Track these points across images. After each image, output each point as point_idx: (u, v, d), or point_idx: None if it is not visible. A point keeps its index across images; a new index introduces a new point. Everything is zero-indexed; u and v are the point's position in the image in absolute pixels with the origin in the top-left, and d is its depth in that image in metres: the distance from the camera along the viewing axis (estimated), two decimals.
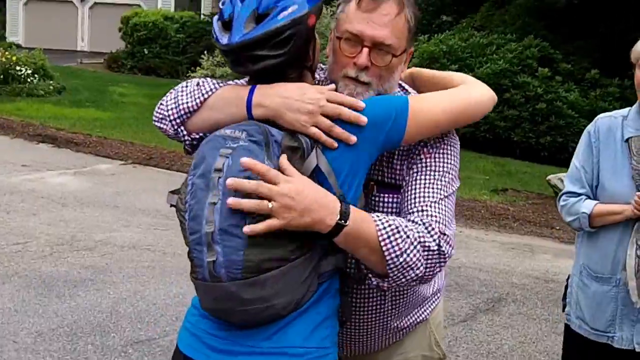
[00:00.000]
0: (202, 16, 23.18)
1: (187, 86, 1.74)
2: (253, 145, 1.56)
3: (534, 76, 13.52)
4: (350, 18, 1.71)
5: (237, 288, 1.55)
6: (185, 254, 1.69)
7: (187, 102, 1.70)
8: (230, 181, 1.52)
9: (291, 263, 1.57)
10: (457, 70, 13.87)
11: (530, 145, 13.21)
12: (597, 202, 2.56)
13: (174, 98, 1.71)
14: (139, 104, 15.74)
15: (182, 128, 1.72)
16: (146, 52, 21.88)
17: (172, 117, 1.71)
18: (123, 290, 5.25)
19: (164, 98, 1.75)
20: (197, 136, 1.73)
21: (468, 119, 1.82)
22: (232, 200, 1.52)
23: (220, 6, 1.70)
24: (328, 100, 1.60)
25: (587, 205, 2.55)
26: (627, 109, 2.61)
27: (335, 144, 1.60)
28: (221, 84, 1.72)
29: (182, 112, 1.70)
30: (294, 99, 1.59)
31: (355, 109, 1.62)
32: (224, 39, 1.65)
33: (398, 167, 1.77)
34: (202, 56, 15.95)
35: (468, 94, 1.82)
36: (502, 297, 5.72)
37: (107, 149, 10.75)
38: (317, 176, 1.60)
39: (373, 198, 1.79)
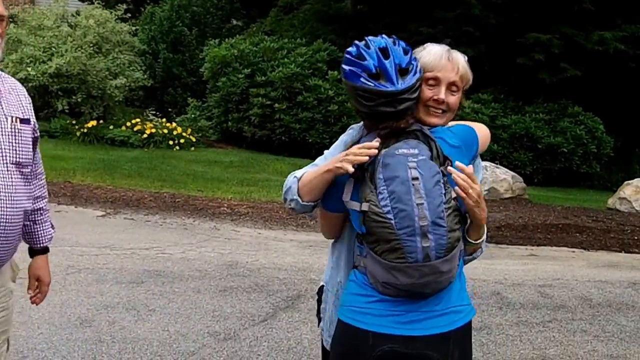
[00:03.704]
0: None
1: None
2: (427, 158, 2.19)
3: (325, 79, 13.93)
4: None
5: (440, 264, 2.13)
6: None
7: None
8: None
9: (460, 242, 2.20)
10: (249, 74, 14.14)
11: (324, 146, 13.41)
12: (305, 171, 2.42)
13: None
14: None
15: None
16: None
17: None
18: None
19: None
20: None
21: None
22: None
23: (355, 59, 2.26)
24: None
25: (301, 171, 2.42)
26: None
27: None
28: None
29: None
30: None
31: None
32: (389, 86, 2.21)
33: None
34: None
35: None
36: (300, 294, 5.78)
37: None
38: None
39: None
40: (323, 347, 2.58)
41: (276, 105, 13.81)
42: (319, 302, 2.59)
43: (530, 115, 14.23)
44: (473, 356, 4.63)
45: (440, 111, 2.35)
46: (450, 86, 2.35)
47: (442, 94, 2.32)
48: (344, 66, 2.30)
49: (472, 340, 4.87)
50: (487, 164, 11.49)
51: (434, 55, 2.34)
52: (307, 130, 13.92)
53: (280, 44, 14.60)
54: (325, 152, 2.49)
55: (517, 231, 9.24)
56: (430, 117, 2.35)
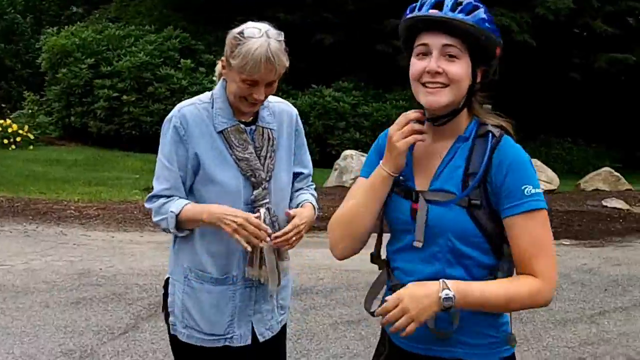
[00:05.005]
0: None
1: None
2: None
3: (178, 68, 13.61)
4: None
5: None
6: None
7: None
8: None
9: None
10: (93, 65, 13.56)
11: None
12: (189, 202, 2.42)
13: None
14: None
15: None
16: None
17: None
18: None
19: None
20: None
21: None
22: None
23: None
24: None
25: (177, 205, 2.40)
26: (209, 94, 2.48)
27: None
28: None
29: None
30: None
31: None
32: None
33: None
34: None
35: None
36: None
37: None
38: None
39: None
40: (174, 340, 2.52)
41: (124, 97, 13.37)
42: (165, 295, 2.53)
43: (391, 102, 14.53)
44: (355, 351, 4.46)
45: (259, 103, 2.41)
46: (269, 83, 2.35)
47: (261, 94, 2.33)
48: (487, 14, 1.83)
49: (353, 334, 4.71)
50: (353, 152, 11.52)
51: (255, 61, 2.26)
52: (158, 124, 13.30)
53: (126, 31, 14.27)
54: (162, 157, 2.43)
55: None
56: (250, 107, 2.39)
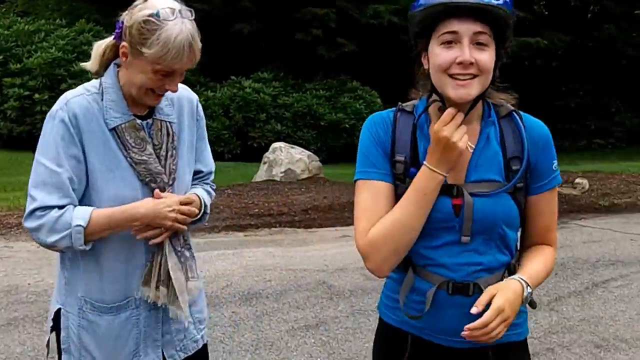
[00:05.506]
0: None
1: None
2: None
3: None
4: None
5: None
6: None
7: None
8: None
9: None
10: (2, 62, 12.98)
11: None
12: (93, 208, 2.03)
13: None
14: None
15: None
16: None
17: None
18: None
19: None
20: None
21: None
22: None
23: None
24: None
25: (81, 215, 1.99)
26: (96, 82, 2.09)
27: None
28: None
29: None
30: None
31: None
32: None
33: None
34: None
35: None
36: None
37: None
38: None
39: None
40: None
41: (36, 95, 12.82)
42: (56, 329, 2.16)
43: (311, 92, 14.45)
44: (319, 358, 4.25)
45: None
46: (183, 72, 2.09)
47: (175, 85, 2.06)
48: None
49: (313, 340, 4.50)
50: (282, 144, 11.32)
51: (177, 49, 1.96)
52: None
53: (36, 26, 13.69)
54: (46, 159, 1.99)
55: (324, 212, 9.01)
56: (156, 99, 2.09)
